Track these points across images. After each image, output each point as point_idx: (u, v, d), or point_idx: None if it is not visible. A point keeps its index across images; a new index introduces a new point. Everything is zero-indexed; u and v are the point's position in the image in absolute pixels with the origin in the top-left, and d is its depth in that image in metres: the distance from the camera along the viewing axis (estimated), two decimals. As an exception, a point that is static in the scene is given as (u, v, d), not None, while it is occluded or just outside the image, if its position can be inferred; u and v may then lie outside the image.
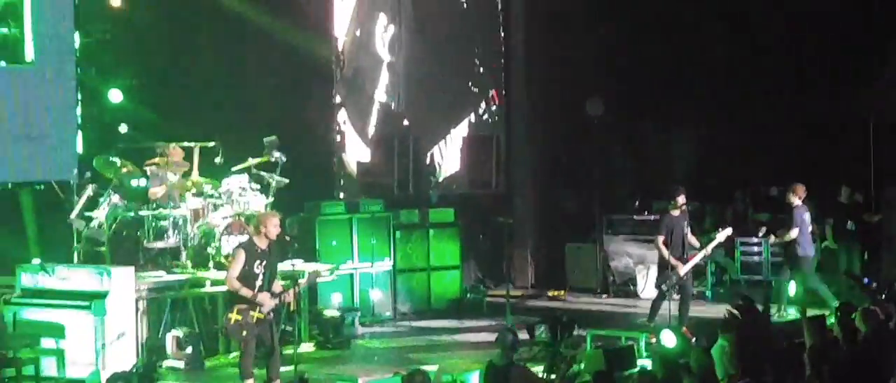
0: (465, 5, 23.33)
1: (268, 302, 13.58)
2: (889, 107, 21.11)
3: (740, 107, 23.80)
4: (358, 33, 21.83)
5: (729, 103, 23.78)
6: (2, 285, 16.04)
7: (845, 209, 21.10)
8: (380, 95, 22.31)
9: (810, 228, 18.94)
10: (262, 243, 13.77)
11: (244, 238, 15.86)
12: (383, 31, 22.22)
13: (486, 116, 23.60)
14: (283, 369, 14.05)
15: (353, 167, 21.81)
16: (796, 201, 18.85)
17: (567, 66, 23.08)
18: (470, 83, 23.45)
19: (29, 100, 18.22)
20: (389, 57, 22.35)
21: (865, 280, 18.95)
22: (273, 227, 13.78)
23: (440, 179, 22.77)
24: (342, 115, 21.59)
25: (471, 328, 18.91)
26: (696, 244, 17.29)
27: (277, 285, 13.91)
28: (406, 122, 22.24)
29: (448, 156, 23.04)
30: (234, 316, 13.61)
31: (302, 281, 14.27)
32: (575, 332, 15.73)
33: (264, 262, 13.67)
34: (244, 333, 13.60)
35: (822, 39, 22.80)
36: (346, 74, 21.70)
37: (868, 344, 12.65)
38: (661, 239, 17.11)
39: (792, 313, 18.69)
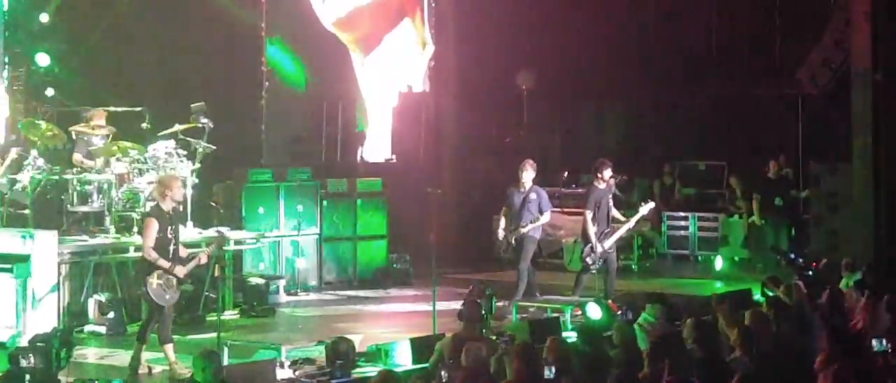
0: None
1: (182, 273, 13.52)
2: (818, 81, 21.26)
3: (670, 81, 23.96)
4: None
5: (659, 78, 23.92)
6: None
7: (773, 184, 21.26)
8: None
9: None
10: (168, 207, 13.67)
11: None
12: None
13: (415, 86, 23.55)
14: (206, 336, 14.00)
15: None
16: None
17: (498, 38, 23.07)
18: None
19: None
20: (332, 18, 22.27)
21: (791, 255, 19.14)
22: (178, 190, 13.72)
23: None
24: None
25: (396, 298, 18.93)
26: (621, 218, 17.34)
27: (182, 249, 13.83)
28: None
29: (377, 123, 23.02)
30: (154, 281, 13.53)
31: (209, 247, 14.18)
32: (499, 304, 15.83)
33: (173, 227, 13.60)
34: (167, 297, 13.53)
35: (752, 13, 22.97)
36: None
37: (794, 318, 12.77)
38: (589, 213, 17.14)
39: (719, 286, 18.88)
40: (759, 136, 22.80)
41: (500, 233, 17.40)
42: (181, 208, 14.27)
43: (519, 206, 17.17)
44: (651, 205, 17.83)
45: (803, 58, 21.46)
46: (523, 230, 17.08)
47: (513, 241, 17.14)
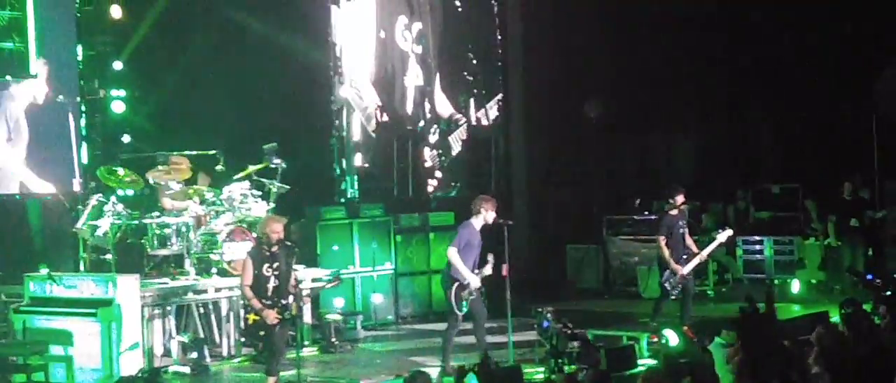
0: (459, 7, 23.36)
1: (272, 318, 13.73)
2: (892, 101, 21.14)
3: (742, 105, 23.92)
4: (383, 35, 21.96)
5: (730, 102, 23.89)
6: (11, 294, 16.25)
7: (848, 205, 21.13)
8: (411, 81, 22.37)
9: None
10: (267, 247, 13.92)
11: (246, 244, 16.11)
12: (404, 29, 22.30)
13: (484, 119, 23.62)
14: (286, 373, 14.17)
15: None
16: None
17: (566, 67, 23.14)
18: (466, 74, 23.48)
19: (34, 112, 18.44)
20: (419, 48, 22.46)
21: (868, 276, 19.02)
22: (272, 231, 13.93)
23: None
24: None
25: (472, 330, 18.94)
26: (693, 246, 17.28)
27: (292, 284, 14.03)
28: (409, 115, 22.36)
29: (451, 139, 23.11)
30: (252, 318, 13.84)
31: (305, 298, 14.40)
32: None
33: (273, 265, 13.82)
34: (261, 333, 13.82)
35: (823, 35, 22.88)
36: (379, 72, 21.83)
37: (878, 341, 12.69)
38: (662, 239, 17.09)
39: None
40: (834, 157, 22.67)
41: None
42: (296, 247, 14.50)
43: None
44: (729, 232, 17.72)
45: (877, 75, 21.35)
46: None
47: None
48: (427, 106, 22.69)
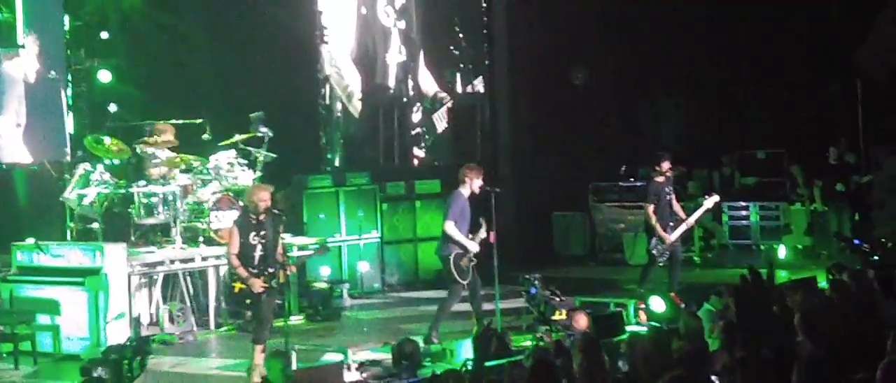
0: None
1: (258, 286, 13.72)
2: (877, 65, 21.15)
3: (726, 71, 23.90)
4: (364, 11, 21.85)
5: (714, 68, 23.87)
6: (-2, 264, 16.25)
7: (834, 170, 21.15)
8: (393, 58, 22.29)
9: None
10: (253, 216, 13.92)
11: (233, 213, 16.12)
12: (387, 4, 22.18)
13: (468, 86, 23.59)
14: (273, 341, 14.19)
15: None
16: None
17: (551, 35, 23.11)
18: (452, 48, 23.42)
19: (20, 82, 18.43)
20: (401, 24, 22.36)
21: (855, 241, 19.06)
22: (259, 199, 13.92)
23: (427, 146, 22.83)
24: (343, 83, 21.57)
25: (467, 298, 19.00)
26: (680, 212, 17.30)
27: (280, 253, 14.04)
28: (391, 91, 22.27)
29: (435, 118, 23.07)
30: (238, 286, 13.86)
31: (291, 267, 14.38)
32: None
33: (260, 233, 13.82)
34: (248, 302, 13.86)
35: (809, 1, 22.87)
36: (360, 49, 21.74)
37: (860, 304, 12.73)
38: (650, 207, 17.08)
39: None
40: (819, 122, 22.69)
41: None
42: (283, 216, 14.47)
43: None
44: (715, 198, 17.75)
45: (861, 41, 21.35)
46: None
47: None
48: (410, 83, 22.61)
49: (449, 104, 23.06)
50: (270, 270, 13.77)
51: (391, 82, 22.23)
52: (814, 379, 9.56)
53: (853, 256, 18.10)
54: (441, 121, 22.98)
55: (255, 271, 13.73)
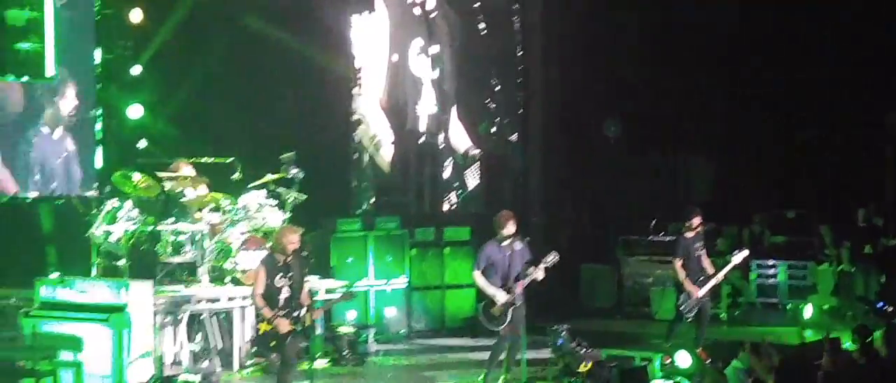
0: (483, 30, 23.21)
1: (284, 327, 13.66)
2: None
3: (758, 129, 23.85)
4: (395, 58, 21.83)
5: (746, 126, 23.83)
6: (21, 298, 16.18)
7: (862, 232, 21.07)
8: (425, 109, 22.27)
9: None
10: (281, 257, 13.87)
11: (261, 254, 16.04)
12: (420, 52, 22.17)
13: (501, 137, 23.55)
14: (297, 384, 14.12)
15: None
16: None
17: (583, 89, 23.11)
18: (487, 101, 23.38)
19: (49, 114, 18.47)
20: (435, 73, 22.34)
21: (879, 304, 18.96)
22: (288, 242, 13.88)
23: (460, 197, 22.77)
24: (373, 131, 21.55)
25: (485, 347, 18.81)
26: (709, 268, 17.21)
27: (306, 295, 13.98)
28: (422, 139, 22.22)
29: (467, 174, 23.01)
30: (263, 327, 13.77)
31: (317, 311, 14.32)
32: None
33: (287, 275, 13.77)
34: (272, 344, 13.73)
35: (840, 62, 22.83)
36: (391, 99, 21.71)
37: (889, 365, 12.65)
38: (678, 262, 17.03)
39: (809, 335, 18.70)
40: (849, 184, 22.62)
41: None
42: (303, 258, 14.40)
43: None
44: (744, 253, 17.66)
45: (892, 103, 21.30)
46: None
47: None
48: (441, 135, 22.58)
49: (480, 159, 23.00)
50: (296, 313, 13.71)
51: (422, 131, 22.19)
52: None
53: (876, 319, 17.97)
54: (473, 177, 22.93)
55: (281, 313, 13.67)
